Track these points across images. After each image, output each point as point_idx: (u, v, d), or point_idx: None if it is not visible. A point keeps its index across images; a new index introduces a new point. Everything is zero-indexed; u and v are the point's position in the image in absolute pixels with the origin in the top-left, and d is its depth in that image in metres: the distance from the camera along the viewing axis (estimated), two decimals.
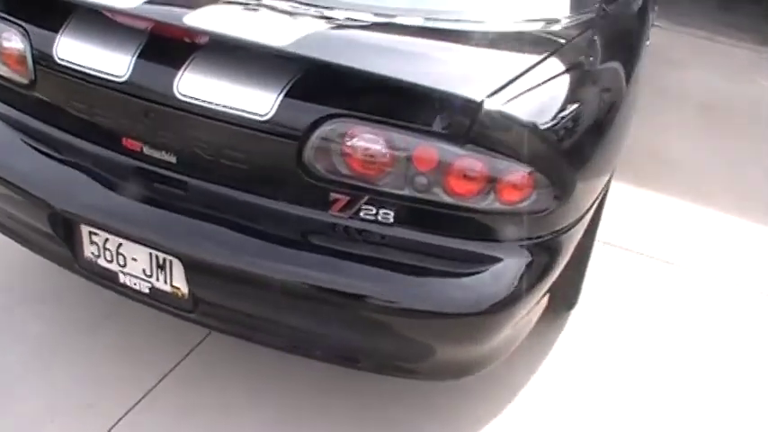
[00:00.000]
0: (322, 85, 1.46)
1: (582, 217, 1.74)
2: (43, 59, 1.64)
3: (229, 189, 1.56)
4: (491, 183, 1.47)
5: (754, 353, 2.39)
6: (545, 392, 2.09)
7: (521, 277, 1.55)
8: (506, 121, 1.43)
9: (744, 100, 4.69)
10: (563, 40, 1.73)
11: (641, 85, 2.44)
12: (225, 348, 2.04)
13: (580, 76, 1.69)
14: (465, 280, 1.51)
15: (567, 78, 1.63)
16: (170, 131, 1.57)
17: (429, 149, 1.43)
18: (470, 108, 1.40)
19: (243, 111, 1.46)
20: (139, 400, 1.89)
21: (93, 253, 1.68)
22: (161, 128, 1.57)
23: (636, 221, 3.09)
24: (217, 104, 1.48)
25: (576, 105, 1.60)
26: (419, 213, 1.50)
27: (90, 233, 1.66)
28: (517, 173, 1.47)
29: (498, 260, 1.53)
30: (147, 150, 1.60)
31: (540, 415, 2.02)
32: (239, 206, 1.55)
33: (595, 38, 1.92)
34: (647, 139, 3.97)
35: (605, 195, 2.48)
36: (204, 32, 1.47)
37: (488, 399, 2.03)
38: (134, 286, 1.67)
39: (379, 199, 1.49)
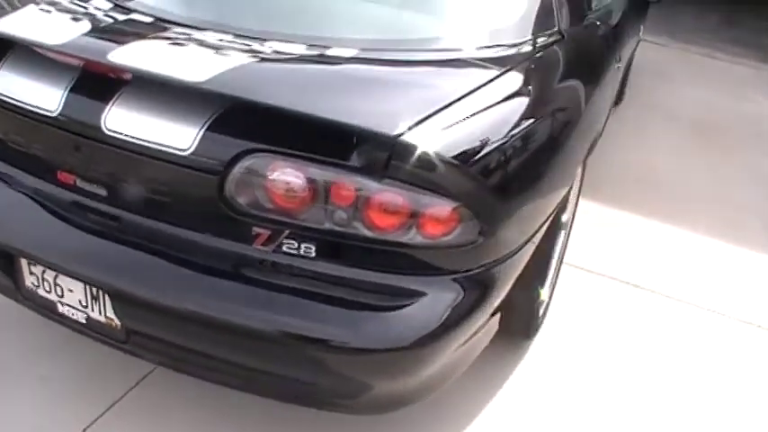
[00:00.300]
0: (241, 120, 1.47)
1: (520, 249, 1.73)
2: None
3: (156, 222, 1.57)
4: (412, 217, 1.47)
5: (730, 381, 2.35)
6: (499, 419, 2.08)
7: (449, 311, 1.54)
8: (424, 155, 1.42)
9: (740, 118, 4.63)
10: (503, 69, 1.73)
11: (604, 108, 2.43)
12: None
13: (515, 107, 1.68)
14: (389, 314, 1.51)
15: (498, 110, 1.62)
16: (100, 165, 1.59)
17: (347, 184, 1.44)
18: (385, 143, 1.40)
19: (166, 145, 1.48)
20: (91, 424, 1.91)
21: (33, 283, 1.70)
22: (91, 161, 1.59)
23: (613, 245, 3.06)
24: (141, 139, 1.50)
25: (505, 137, 1.59)
26: (341, 248, 1.50)
27: (29, 264, 1.68)
28: (439, 207, 1.47)
29: (423, 294, 1.53)
30: (79, 183, 1.62)
31: None
32: (166, 239, 1.57)
33: (543, 65, 1.92)
34: (634, 158, 3.94)
35: (567, 221, 2.47)
36: (125, 68, 1.49)
37: (439, 426, 2.02)
38: (72, 316, 1.69)
39: (301, 233, 1.49)
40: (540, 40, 1.99)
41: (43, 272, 1.66)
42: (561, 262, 2.65)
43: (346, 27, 1.82)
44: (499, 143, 1.58)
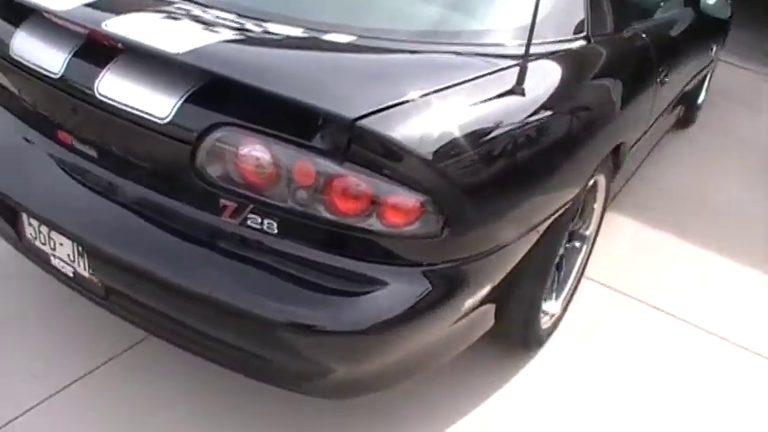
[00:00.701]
0: (214, 94, 1.51)
1: (498, 251, 1.69)
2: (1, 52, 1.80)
3: (135, 186, 1.64)
4: (373, 203, 1.46)
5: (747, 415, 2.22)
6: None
7: (409, 302, 1.53)
8: (385, 142, 1.42)
9: None
10: (495, 68, 1.69)
11: (630, 120, 2.33)
12: None
13: (501, 107, 1.64)
14: (346, 299, 1.50)
15: (480, 108, 1.60)
16: (92, 128, 1.67)
17: (308, 164, 1.45)
18: (344, 125, 1.40)
19: (147, 113, 1.54)
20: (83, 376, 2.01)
21: (31, 234, 1.81)
22: (85, 124, 1.68)
23: (652, 269, 2.93)
24: (127, 105, 1.56)
25: (484, 137, 1.56)
26: (303, 228, 1.51)
27: (28, 215, 1.79)
28: (399, 196, 1.46)
29: (384, 283, 1.52)
30: (75, 144, 1.71)
31: None
32: (143, 203, 1.63)
33: (549, 68, 1.87)
34: (695, 182, 3.76)
35: (589, 235, 2.38)
36: (113, 37, 1.56)
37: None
38: (62, 269, 1.78)
39: (265, 209, 1.51)
40: (554, 44, 1.94)
41: (39, 225, 1.76)
42: (580, 277, 2.57)
43: (350, 14, 1.83)
44: (477, 142, 1.55)
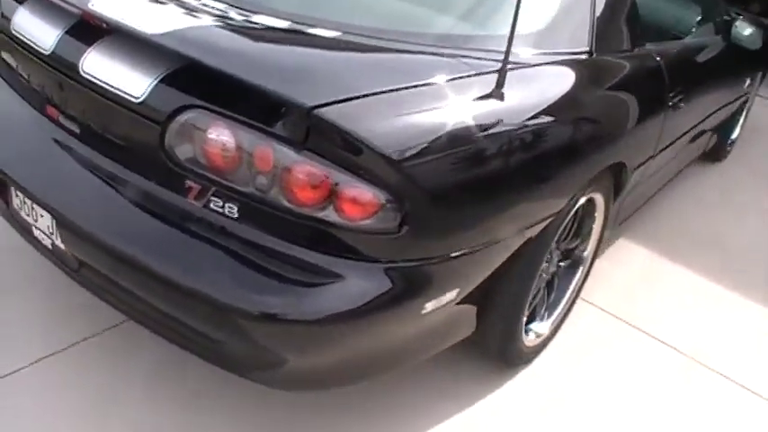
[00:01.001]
0: (187, 77, 1.54)
1: (468, 255, 1.66)
2: (2, 26, 1.87)
3: (112, 163, 1.67)
4: (331, 195, 1.46)
5: None
6: None
7: (363, 297, 1.51)
8: (343, 133, 1.42)
9: None
10: (472, 72, 1.68)
11: (631, 142, 2.26)
12: None
13: (475, 112, 1.62)
14: (300, 289, 1.49)
15: (453, 111, 1.58)
16: (76, 104, 1.72)
17: (268, 150, 1.46)
18: (302, 114, 1.41)
19: (124, 92, 1.57)
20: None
21: (17, 204, 1.86)
22: (70, 99, 1.73)
23: (654, 298, 2.85)
24: (106, 83, 1.60)
25: (454, 141, 1.55)
26: (262, 214, 1.52)
27: (14, 187, 1.84)
28: (356, 189, 1.45)
29: (340, 276, 1.51)
30: (61, 119, 1.76)
31: None
32: (117, 180, 1.66)
33: (534, 77, 1.84)
34: (713, 217, 3.65)
35: (585, 257, 2.33)
36: (95, 15, 1.61)
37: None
38: (42, 241, 1.82)
39: (227, 193, 1.53)
40: (549, 55, 1.91)
41: (24, 196, 1.81)
42: (575, 299, 2.51)
43: (341, 11, 1.84)
44: (445, 143, 1.53)
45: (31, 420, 1.85)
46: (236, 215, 1.54)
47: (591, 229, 2.39)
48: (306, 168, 1.44)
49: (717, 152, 4.09)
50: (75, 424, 1.86)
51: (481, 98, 1.65)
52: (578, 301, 2.69)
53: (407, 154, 1.48)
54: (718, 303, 2.92)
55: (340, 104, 1.43)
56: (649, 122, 2.39)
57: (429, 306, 1.65)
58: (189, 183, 1.56)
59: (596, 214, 2.35)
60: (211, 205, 1.55)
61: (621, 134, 2.17)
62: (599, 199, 2.28)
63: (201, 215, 1.56)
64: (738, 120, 4.24)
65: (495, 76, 1.66)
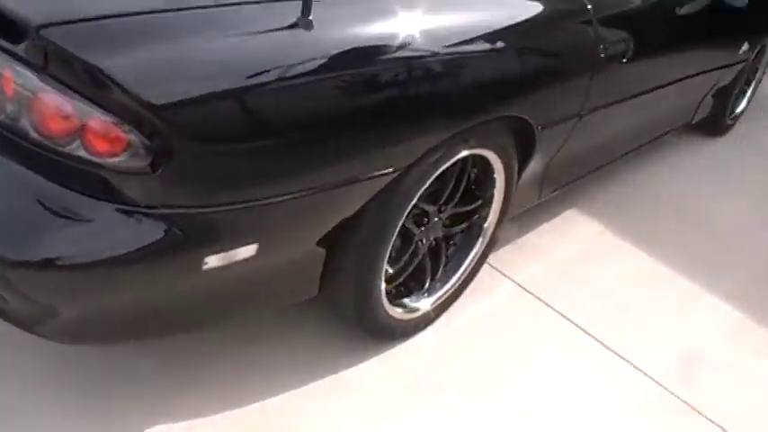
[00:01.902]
0: None
1: (265, 205, 1.48)
2: None
3: None
4: (77, 127, 1.31)
5: None
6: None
7: (117, 242, 1.38)
8: (76, 59, 1.26)
9: None
10: None
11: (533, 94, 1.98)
12: None
13: (266, 41, 1.43)
14: (46, 227, 1.35)
15: (231, 36, 1.39)
16: None
17: (10, 74, 1.32)
18: (31, 33, 1.25)
19: None
20: None
21: None
22: None
23: (595, 280, 2.59)
24: None
25: (228, 70, 1.36)
26: (16, 146, 1.37)
27: None
28: (99, 121, 1.29)
29: (91, 219, 1.36)
30: None
31: None
32: None
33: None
34: (694, 192, 3.32)
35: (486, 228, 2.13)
36: None
37: None
38: None
39: None
40: None
41: None
42: (470, 276, 2.25)
43: None
44: (216, 74, 1.35)
45: None
46: None
47: (491, 194, 2.14)
48: (48, 96, 1.30)
49: (714, 125, 3.69)
50: None
51: (282, 29, 1.44)
52: (496, 276, 2.47)
53: (161, 88, 1.30)
54: (665, 291, 2.63)
55: (77, 25, 1.27)
56: (564, 75, 2.11)
57: (212, 260, 1.48)
58: None
59: (495, 176, 2.10)
60: None
61: (512, 84, 1.91)
62: (494, 158, 2.03)
63: None
64: (746, 91, 3.81)
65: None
